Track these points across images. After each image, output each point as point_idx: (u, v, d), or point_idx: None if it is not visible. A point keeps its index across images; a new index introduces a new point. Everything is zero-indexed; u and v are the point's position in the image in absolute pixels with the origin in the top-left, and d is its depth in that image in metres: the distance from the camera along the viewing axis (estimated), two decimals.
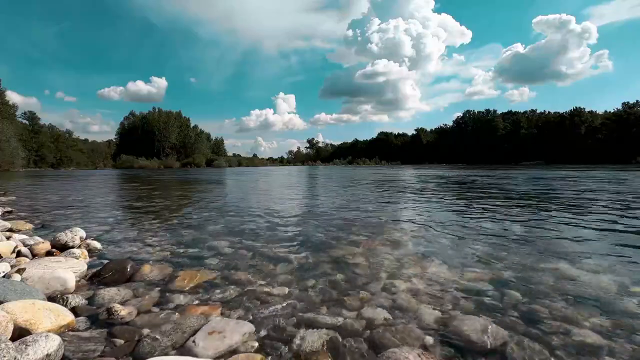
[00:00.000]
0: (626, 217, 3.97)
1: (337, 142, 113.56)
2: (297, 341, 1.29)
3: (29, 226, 3.53)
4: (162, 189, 10.03)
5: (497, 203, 5.47)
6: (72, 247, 2.48)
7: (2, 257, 2.18)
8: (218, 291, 1.77)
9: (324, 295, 1.74)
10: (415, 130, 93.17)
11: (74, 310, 1.51)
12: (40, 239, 2.64)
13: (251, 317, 1.48)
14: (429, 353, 1.20)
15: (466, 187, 9.19)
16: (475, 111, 79.39)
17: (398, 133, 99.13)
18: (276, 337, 1.34)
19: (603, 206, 4.90)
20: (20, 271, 1.77)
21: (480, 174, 16.50)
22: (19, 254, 2.28)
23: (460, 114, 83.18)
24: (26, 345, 1.09)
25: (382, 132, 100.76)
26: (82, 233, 2.74)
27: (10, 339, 1.11)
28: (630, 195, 6.28)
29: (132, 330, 1.36)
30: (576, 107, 60.71)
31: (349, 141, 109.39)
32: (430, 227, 3.55)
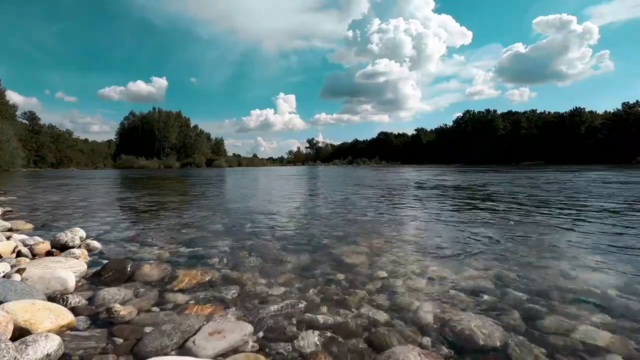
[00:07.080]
0: (627, 216, 3.97)
1: (337, 142, 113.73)
2: (296, 341, 1.29)
3: (29, 226, 3.53)
4: (162, 189, 10.03)
5: (497, 203, 5.47)
6: (72, 247, 2.48)
7: (2, 257, 2.18)
8: (218, 291, 1.77)
9: (323, 295, 1.74)
10: (416, 130, 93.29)
11: (74, 310, 1.50)
12: (40, 239, 2.64)
13: (251, 317, 1.48)
14: (429, 353, 1.20)
15: (465, 187, 9.18)
16: (476, 111, 79.40)
17: (398, 133, 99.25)
18: (276, 337, 1.34)
19: (602, 205, 4.90)
20: (20, 271, 1.77)
21: (480, 173, 16.49)
22: (19, 254, 2.28)
23: (460, 114, 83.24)
24: (26, 345, 1.09)
25: (382, 132, 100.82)
26: (82, 233, 2.74)
27: (10, 339, 1.11)
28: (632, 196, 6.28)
29: (132, 330, 1.36)
30: (576, 107, 60.73)
31: (349, 141, 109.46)
32: (429, 226, 3.55)
